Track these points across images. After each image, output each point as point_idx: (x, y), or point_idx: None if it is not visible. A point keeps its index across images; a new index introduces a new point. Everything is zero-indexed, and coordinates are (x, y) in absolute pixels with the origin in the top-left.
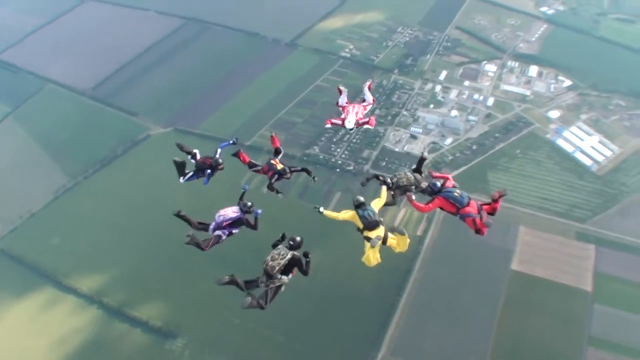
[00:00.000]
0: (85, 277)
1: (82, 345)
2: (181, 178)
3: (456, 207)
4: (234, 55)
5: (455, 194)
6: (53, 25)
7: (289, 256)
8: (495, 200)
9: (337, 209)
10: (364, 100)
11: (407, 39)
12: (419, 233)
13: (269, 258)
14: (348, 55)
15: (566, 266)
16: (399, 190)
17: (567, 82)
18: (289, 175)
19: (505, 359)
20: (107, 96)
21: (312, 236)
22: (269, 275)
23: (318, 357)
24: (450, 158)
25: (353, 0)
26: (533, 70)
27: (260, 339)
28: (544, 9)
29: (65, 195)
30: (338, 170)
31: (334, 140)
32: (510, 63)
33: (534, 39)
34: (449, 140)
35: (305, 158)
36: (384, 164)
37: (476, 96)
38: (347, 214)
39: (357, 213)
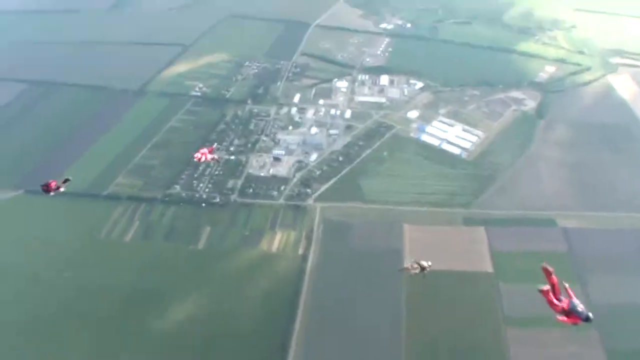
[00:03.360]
0: None
1: None
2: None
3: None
4: (83, 110)
5: (579, 309)
6: None
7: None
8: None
9: (209, 242)
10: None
11: (256, 70)
12: (300, 252)
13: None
14: (199, 94)
15: (462, 253)
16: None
17: (420, 85)
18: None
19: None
20: None
21: (183, 278)
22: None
23: None
24: (318, 173)
25: (195, 46)
26: (384, 79)
27: None
28: (383, 25)
29: None
30: (204, 205)
31: (195, 176)
32: (361, 77)
33: (379, 52)
34: (314, 157)
35: (167, 198)
36: (250, 190)
37: (333, 111)
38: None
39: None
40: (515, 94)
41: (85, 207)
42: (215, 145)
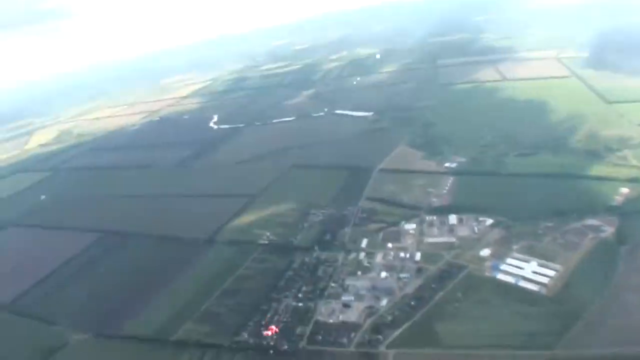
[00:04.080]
0: None
1: None
2: None
3: None
4: (154, 258)
5: None
6: None
7: None
8: None
9: None
10: None
11: (322, 218)
12: None
13: None
14: (266, 242)
15: None
16: None
17: (490, 221)
18: None
19: None
20: (24, 309)
21: None
22: None
23: None
24: (390, 318)
25: (262, 196)
26: (452, 218)
27: None
28: (446, 164)
29: None
30: (272, 351)
31: (263, 323)
32: (429, 218)
33: (445, 191)
34: (384, 302)
35: (234, 345)
36: (319, 337)
37: (402, 255)
38: None
39: None
40: (591, 221)
41: (152, 352)
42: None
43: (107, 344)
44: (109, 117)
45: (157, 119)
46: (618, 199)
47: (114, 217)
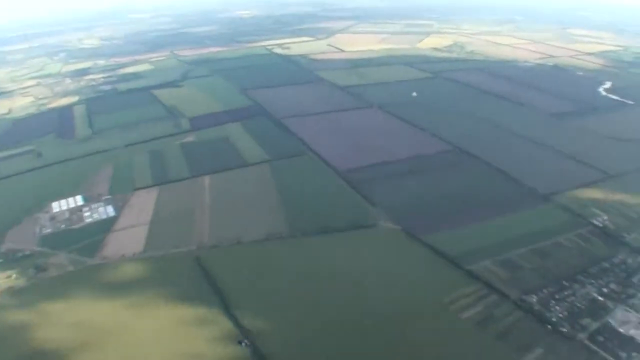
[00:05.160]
0: None
1: None
2: None
3: None
4: (488, 189)
5: None
6: (336, 114)
7: None
8: None
9: None
10: None
11: None
12: None
13: None
14: (600, 225)
15: None
16: None
17: None
18: None
19: None
20: (356, 182)
21: None
22: None
23: None
24: None
25: (619, 179)
26: None
27: None
28: None
29: (276, 242)
30: (549, 326)
31: (556, 297)
32: None
33: None
34: None
35: (519, 302)
36: (601, 339)
37: None
38: None
39: None
40: None
41: (444, 269)
42: None
43: (409, 242)
44: (507, 44)
45: (551, 64)
46: None
47: (470, 137)
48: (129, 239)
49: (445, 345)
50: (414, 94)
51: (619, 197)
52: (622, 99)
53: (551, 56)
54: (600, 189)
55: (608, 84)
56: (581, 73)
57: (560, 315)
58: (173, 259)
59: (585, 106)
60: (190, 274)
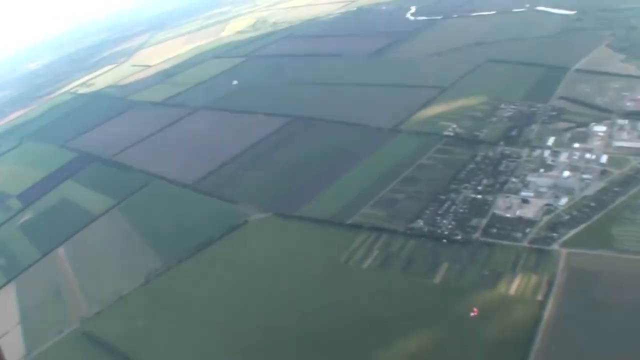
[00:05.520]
0: None
1: None
2: None
3: None
4: (338, 144)
5: None
6: (164, 131)
7: None
8: None
9: (445, 279)
10: None
11: (511, 113)
12: (539, 298)
13: None
14: (452, 134)
15: None
16: None
17: None
18: None
19: None
20: (210, 188)
21: (414, 311)
22: None
23: None
24: (567, 217)
25: (453, 89)
26: None
27: None
28: None
29: (157, 279)
30: (445, 240)
31: (440, 212)
32: (620, 122)
33: None
34: (563, 201)
35: (408, 232)
36: (494, 230)
37: (588, 155)
38: None
39: None
40: None
41: (328, 233)
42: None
43: (285, 223)
44: (306, 5)
45: (354, 9)
46: None
47: (303, 103)
48: (7, 349)
49: (360, 298)
50: (235, 82)
51: (459, 103)
52: (430, 17)
53: (352, 1)
54: (439, 103)
55: (413, 9)
56: (384, 7)
57: (450, 226)
58: (62, 346)
59: (398, 36)
60: (87, 354)
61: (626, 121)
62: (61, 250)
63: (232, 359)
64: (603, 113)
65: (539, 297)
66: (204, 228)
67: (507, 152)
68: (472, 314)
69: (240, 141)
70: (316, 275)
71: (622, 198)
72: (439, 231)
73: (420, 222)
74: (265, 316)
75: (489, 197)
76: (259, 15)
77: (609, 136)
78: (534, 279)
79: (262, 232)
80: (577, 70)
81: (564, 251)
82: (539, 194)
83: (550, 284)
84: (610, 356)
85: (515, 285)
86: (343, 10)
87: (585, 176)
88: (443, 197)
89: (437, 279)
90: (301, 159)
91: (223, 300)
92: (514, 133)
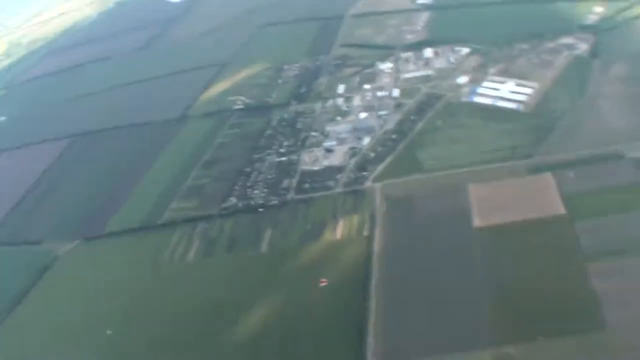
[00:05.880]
0: None
1: None
2: None
3: None
4: (128, 149)
5: None
6: None
7: None
8: None
9: (271, 245)
10: None
11: (297, 72)
12: (365, 234)
13: None
14: (242, 106)
15: (531, 201)
16: None
17: (465, 50)
18: None
19: (508, 313)
20: (5, 237)
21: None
22: None
23: None
24: (373, 155)
25: (232, 63)
26: (428, 52)
27: None
28: (420, 1)
29: None
30: (262, 209)
31: (249, 184)
32: (404, 55)
33: (419, 27)
34: (366, 141)
35: (223, 212)
36: (306, 186)
37: (380, 93)
38: None
39: None
40: (566, 40)
41: (143, 239)
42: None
43: (97, 245)
44: (60, 14)
45: (111, 5)
46: (592, 17)
47: (82, 119)
48: None
49: (194, 289)
50: (2, 118)
51: (242, 75)
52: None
53: None
54: (222, 80)
55: None
56: None
57: (262, 194)
58: None
59: (165, 21)
60: None
61: (410, 53)
62: None
63: None
64: (386, 50)
65: (365, 233)
66: (14, 279)
67: (301, 109)
68: (321, 284)
69: (25, 178)
70: (146, 283)
71: (420, 124)
72: (252, 203)
73: (233, 200)
74: (112, 336)
75: (294, 157)
76: (11, 38)
77: (397, 71)
78: (356, 218)
79: (76, 262)
80: (353, 16)
81: (378, 185)
82: (341, 141)
83: (372, 218)
84: (437, 259)
85: (340, 230)
86: (101, 10)
87: (381, 113)
88: (249, 169)
89: (264, 248)
90: (94, 176)
91: (62, 341)
92: (303, 90)
